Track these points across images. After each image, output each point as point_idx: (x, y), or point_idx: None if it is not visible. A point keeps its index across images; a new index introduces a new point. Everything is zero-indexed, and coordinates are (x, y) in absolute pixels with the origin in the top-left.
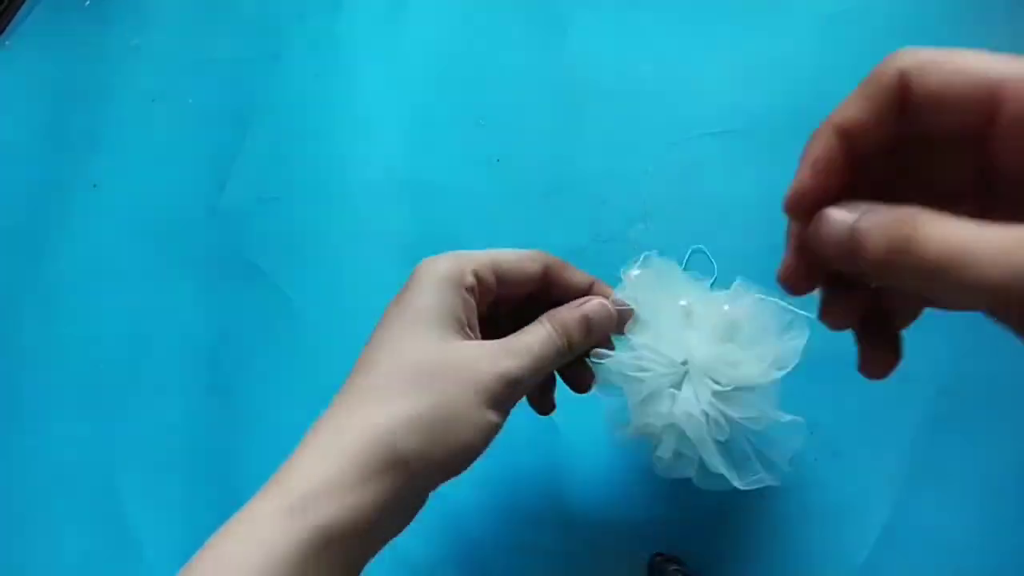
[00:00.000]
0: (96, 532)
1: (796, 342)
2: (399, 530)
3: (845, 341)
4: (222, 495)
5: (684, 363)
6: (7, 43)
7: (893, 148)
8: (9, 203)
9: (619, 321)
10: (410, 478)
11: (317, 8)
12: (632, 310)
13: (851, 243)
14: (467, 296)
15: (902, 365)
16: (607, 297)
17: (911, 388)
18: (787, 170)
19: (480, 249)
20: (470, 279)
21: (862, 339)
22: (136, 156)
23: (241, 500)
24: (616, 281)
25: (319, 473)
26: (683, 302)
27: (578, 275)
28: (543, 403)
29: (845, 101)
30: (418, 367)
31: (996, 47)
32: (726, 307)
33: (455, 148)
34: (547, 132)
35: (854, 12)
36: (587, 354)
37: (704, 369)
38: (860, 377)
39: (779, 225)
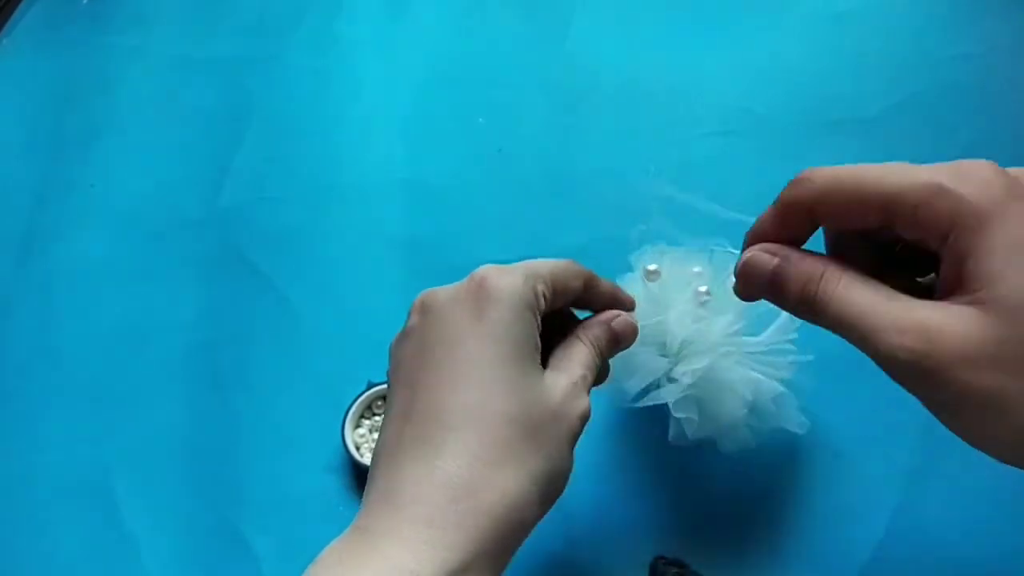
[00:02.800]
0: (92, 533)
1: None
2: None
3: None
4: (220, 496)
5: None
6: (4, 43)
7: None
8: (7, 203)
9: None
10: (514, 547)
11: (317, 8)
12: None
13: (771, 286)
14: (538, 320)
15: None
16: (630, 306)
17: None
18: (787, 170)
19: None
20: (542, 301)
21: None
22: (134, 156)
23: (239, 500)
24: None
25: (410, 544)
26: (702, 288)
27: (604, 285)
28: None
29: (761, 220)
30: (525, 420)
31: (993, 47)
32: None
33: (455, 148)
34: (547, 132)
35: (855, 12)
36: None
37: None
38: (863, 377)
39: None
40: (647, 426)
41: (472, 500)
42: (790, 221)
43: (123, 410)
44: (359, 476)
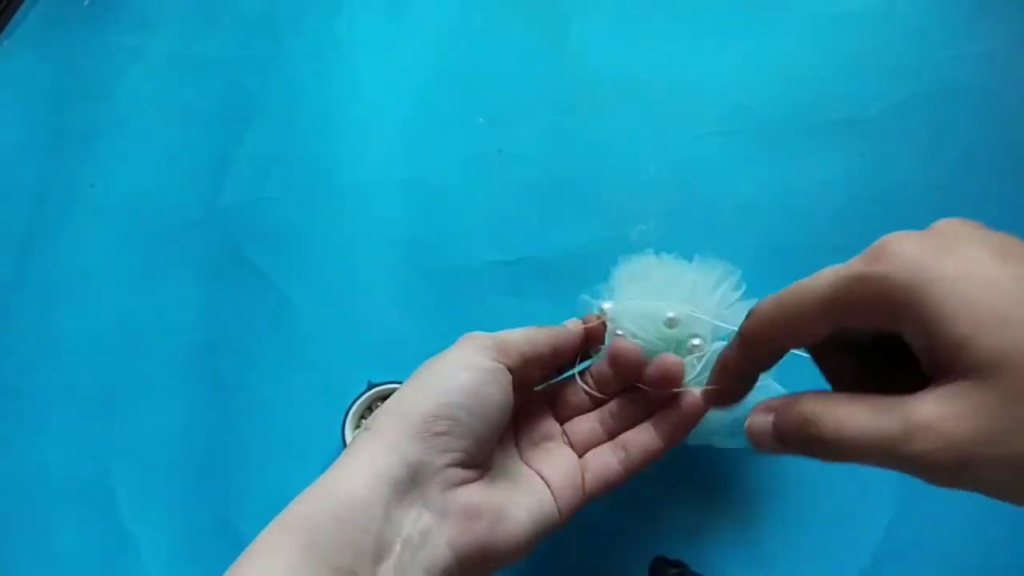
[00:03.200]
0: (93, 533)
1: None
2: (437, 523)
3: None
4: (220, 496)
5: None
6: (5, 43)
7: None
8: (7, 203)
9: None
10: (389, 439)
11: (317, 8)
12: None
13: (779, 444)
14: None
15: None
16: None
17: None
18: (787, 170)
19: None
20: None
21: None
22: (134, 156)
23: (239, 500)
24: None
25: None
26: (670, 313)
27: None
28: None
29: (728, 351)
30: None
31: (992, 47)
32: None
33: (455, 148)
34: (547, 132)
35: (855, 12)
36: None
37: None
38: None
39: (779, 225)
40: None
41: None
42: (755, 352)
43: (123, 410)
44: None
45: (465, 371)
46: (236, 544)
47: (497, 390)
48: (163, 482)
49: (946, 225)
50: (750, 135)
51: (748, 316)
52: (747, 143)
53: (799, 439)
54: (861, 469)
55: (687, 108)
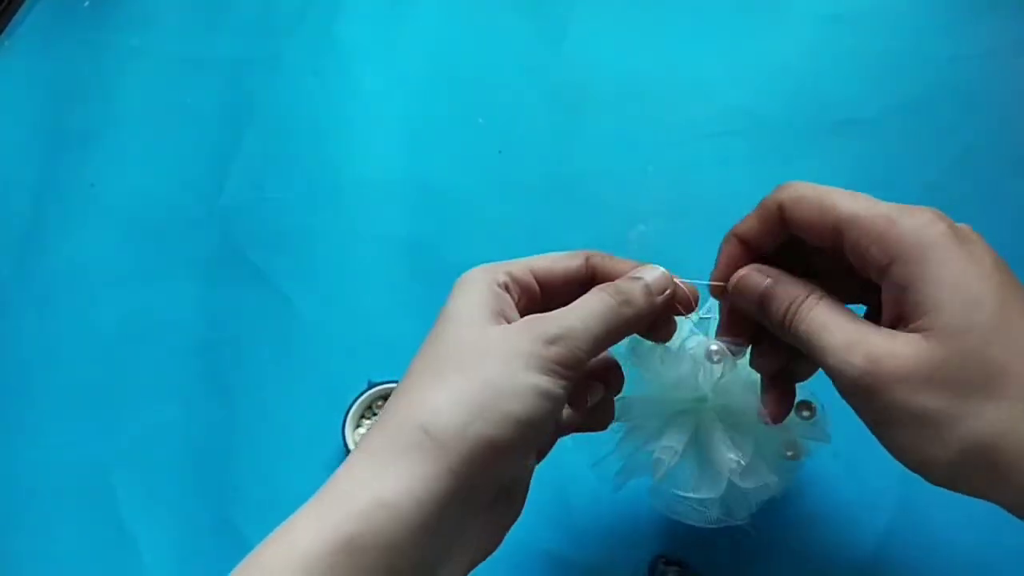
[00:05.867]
0: (93, 533)
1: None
2: (476, 532)
3: None
4: (219, 495)
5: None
6: (6, 43)
7: (780, 248)
8: (7, 203)
9: (683, 300)
10: (451, 460)
11: (317, 8)
12: (695, 289)
13: (760, 302)
14: (499, 291)
15: None
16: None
17: None
18: (787, 170)
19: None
20: (502, 277)
21: (770, 387)
22: (134, 156)
23: (239, 500)
24: None
25: (352, 471)
26: (714, 346)
27: (625, 264)
28: (593, 412)
29: (744, 218)
30: (455, 352)
31: (992, 47)
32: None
33: (455, 148)
34: (547, 133)
35: (855, 12)
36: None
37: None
38: None
39: None
40: None
41: (384, 425)
42: (766, 219)
43: (123, 410)
44: None
45: (531, 399)
46: (236, 544)
47: (552, 424)
48: (163, 482)
49: (971, 232)
50: (750, 135)
51: (777, 188)
52: (747, 143)
53: (781, 312)
54: (861, 469)
55: (687, 108)
